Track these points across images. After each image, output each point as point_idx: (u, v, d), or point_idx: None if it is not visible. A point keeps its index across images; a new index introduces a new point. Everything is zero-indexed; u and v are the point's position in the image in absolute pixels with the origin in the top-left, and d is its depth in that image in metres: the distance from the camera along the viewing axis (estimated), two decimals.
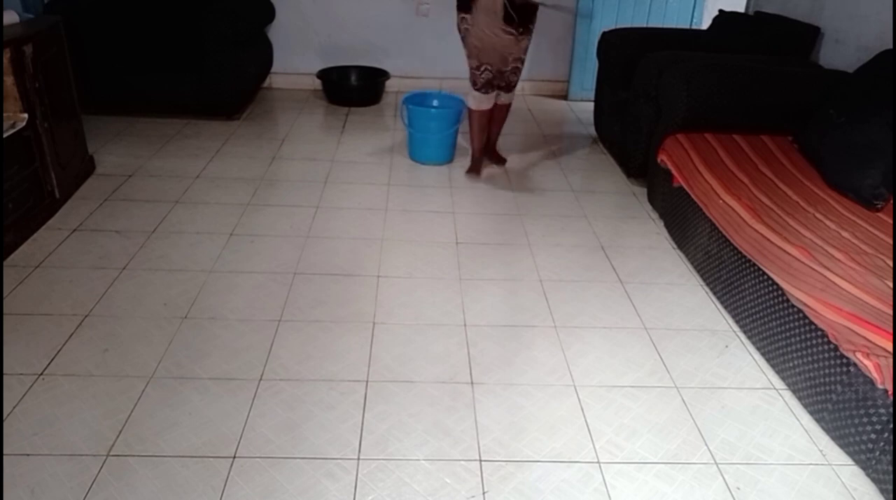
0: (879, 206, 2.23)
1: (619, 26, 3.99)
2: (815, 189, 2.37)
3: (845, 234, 2.05)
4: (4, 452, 1.60)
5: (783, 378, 1.99)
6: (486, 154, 3.50)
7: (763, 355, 2.09)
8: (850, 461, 1.72)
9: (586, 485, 1.63)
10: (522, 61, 3.21)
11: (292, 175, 3.34)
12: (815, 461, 1.73)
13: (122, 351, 1.98)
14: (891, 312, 1.66)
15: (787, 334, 1.94)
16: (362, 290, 2.37)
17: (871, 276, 1.81)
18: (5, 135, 2.43)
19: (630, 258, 2.68)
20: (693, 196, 2.53)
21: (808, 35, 3.27)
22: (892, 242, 2.00)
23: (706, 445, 1.76)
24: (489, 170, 3.52)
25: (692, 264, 2.61)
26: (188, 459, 1.63)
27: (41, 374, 1.87)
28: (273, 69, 4.66)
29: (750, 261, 2.13)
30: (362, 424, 1.78)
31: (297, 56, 4.65)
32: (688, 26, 4.62)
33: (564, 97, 4.88)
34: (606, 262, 2.65)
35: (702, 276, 2.52)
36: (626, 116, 3.43)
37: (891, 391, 1.55)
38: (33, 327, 2.06)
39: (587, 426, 1.81)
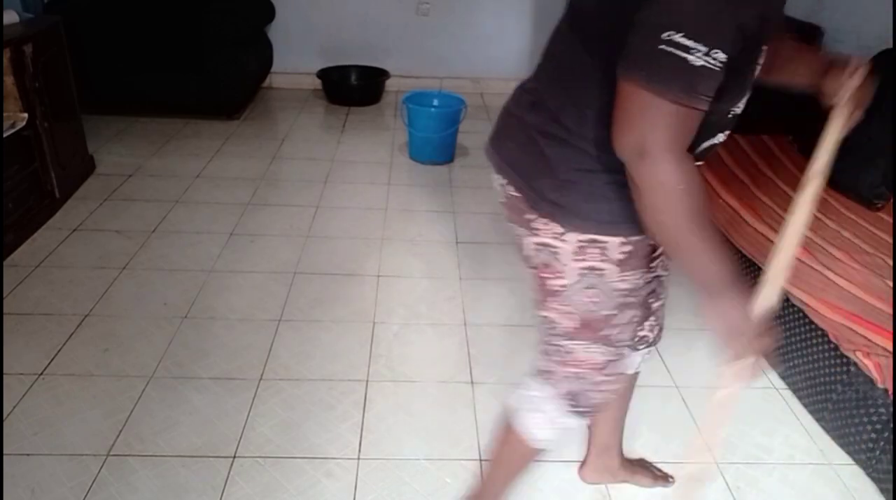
0: (880, 205, 2.23)
1: None
2: None
3: (846, 233, 2.05)
4: (4, 452, 1.60)
5: (783, 378, 1.98)
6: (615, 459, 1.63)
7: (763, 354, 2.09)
8: (850, 460, 1.72)
9: (586, 485, 1.63)
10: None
11: (292, 175, 3.34)
12: (815, 461, 1.73)
13: (122, 351, 1.98)
14: (891, 311, 1.66)
15: (788, 333, 1.94)
16: (362, 290, 2.37)
17: (871, 275, 1.81)
18: (5, 135, 2.43)
19: None
20: None
21: (809, 34, 3.26)
22: (892, 241, 2.00)
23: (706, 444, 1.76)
24: None
25: None
26: (188, 459, 1.63)
27: (41, 374, 1.87)
28: (273, 69, 4.65)
29: (750, 260, 2.12)
30: (362, 424, 1.77)
31: (297, 56, 4.65)
32: None
33: None
34: None
35: None
36: None
37: (891, 391, 1.55)
38: (33, 327, 2.06)
39: (587, 425, 1.81)
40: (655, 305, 1.32)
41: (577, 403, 1.20)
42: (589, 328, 1.12)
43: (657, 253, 1.20)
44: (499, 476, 1.39)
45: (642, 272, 1.11)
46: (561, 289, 1.10)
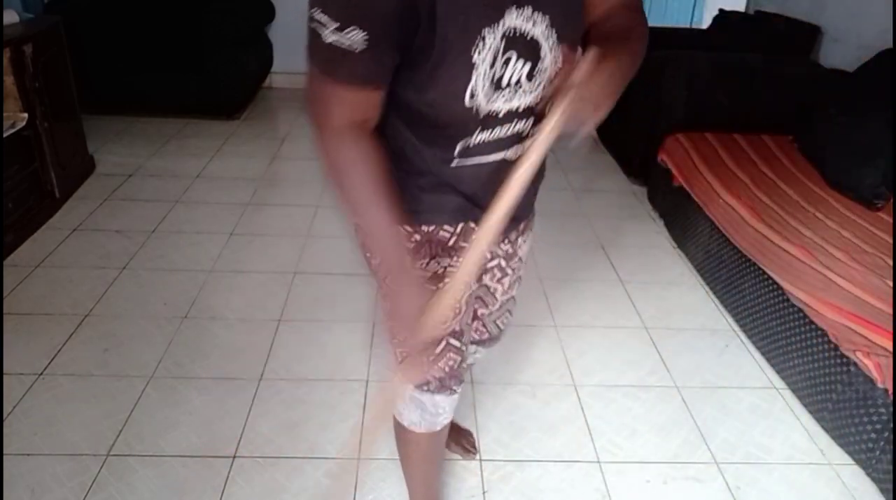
0: (880, 205, 2.23)
1: None
2: (815, 189, 2.36)
3: (846, 233, 2.05)
4: (4, 452, 1.60)
5: (783, 378, 1.99)
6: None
7: (763, 354, 2.09)
8: (850, 460, 1.72)
9: (586, 485, 1.63)
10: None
11: (292, 175, 3.34)
12: (816, 461, 1.73)
13: (122, 351, 1.98)
14: (891, 311, 1.66)
15: (788, 333, 1.94)
16: (362, 289, 2.37)
17: (871, 275, 1.81)
18: (5, 135, 2.43)
19: (630, 258, 2.68)
20: (693, 196, 2.53)
21: (809, 34, 3.26)
22: (892, 241, 2.00)
23: (706, 444, 1.76)
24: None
25: (692, 263, 2.61)
26: (188, 459, 1.63)
27: (41, 374, 1.87)
28: (273, 69, 4.65)
29: (750, 260, 2.12)
30: (362, 424, 1.77)
31: (297, 55, 4.62)
32: (688, 25, 4.62)
33: None
34: (606, 261, 2.65)
35: (702, 275, 2.51)
36: (626, 115, 3.42)
37: (891, 391, 1.55)
38: (33, 327, 2.06)
39: (587, 425, 1.81)
40: (481, 311, 1.31)
41: (418, 381, 1.20)
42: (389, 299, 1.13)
43: (489, 263, 1.22)
44: (411, 475, 1.40)
45: (432, 263, 1.09)
46: (376, 268, 1.10)
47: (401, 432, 1.28)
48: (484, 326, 1.34)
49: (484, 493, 1.59)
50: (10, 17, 2.61)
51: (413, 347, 0.99)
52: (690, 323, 2.27)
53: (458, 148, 0.98)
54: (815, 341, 1.82)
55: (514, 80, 0.91)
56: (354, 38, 0.79)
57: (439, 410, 1.22)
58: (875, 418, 1.62)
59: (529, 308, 2.31)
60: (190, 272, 2.41)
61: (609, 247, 2.75)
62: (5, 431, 1.67)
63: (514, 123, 0.97)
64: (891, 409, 1.57)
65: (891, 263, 1.88)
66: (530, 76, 0.92)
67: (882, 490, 1.62)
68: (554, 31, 0.89)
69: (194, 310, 2.19)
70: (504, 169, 0.93)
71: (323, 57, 0.82)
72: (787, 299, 1.92)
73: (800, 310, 1.86)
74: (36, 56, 2.59)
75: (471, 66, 0.86)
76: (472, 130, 0.95)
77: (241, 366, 1.95)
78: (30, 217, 2.60)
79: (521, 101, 0.94)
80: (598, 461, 1.70)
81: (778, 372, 2.01)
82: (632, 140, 3.35)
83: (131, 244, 2.57)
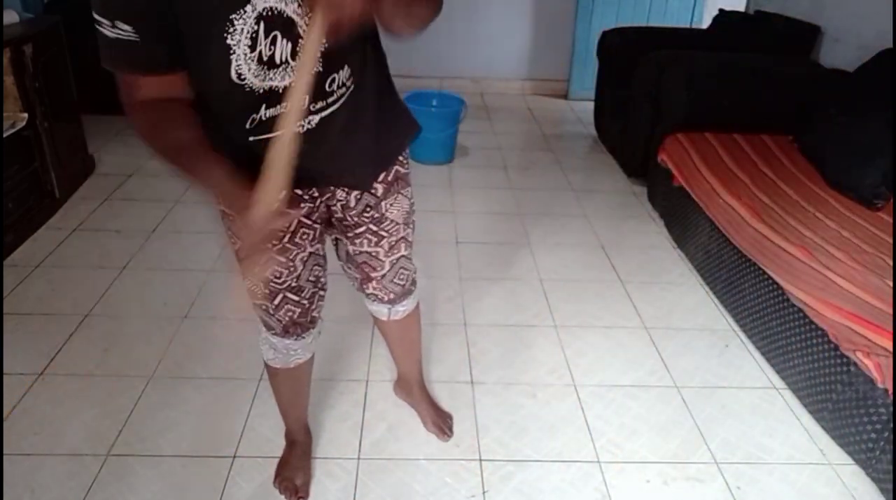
0: (880, 205, 2.23)
1: (619, 25, 3.99)
2: (815, 188, 2.36)
3: (846, 233, 2.05)
4: (4, 452, 1.60)
5: (783, 378, 1.99)
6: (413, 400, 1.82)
7: (763, 354, 2.09)
8: (850, 460, 1.72)
9: (586, 485, 1.63)
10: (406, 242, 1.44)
11: None
12: (816, 461, 1.73)
13: (122, 351, 1.98)
14: (891, 311, 1.66)
15: (788, 333, 1.94)
16: None
17: (871, 275, 1.81)
18: (5, 135, 2.43)
19: (630, 258, 2.68)
20: (693, 196, 2.53)
21: (809, 34, 3.26)
22: (892, 241, 2.00)
23: (706, 444, 1.76)
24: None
25: (692, 263, 2.61)
26: (188, 459, 1.63)
27: (41, 374, 1.87)
28: None
29: (750, 260, 2.12)
30: (362, 424, 1.77)
31: None
32: (688, 25, 4.62)
33: (564, 97, 4.88)
34: (606, 261, 2.65)
35: (702, 275, 2.51)
36: (626, 115, 3.43)
37: (891, 391, 1.55)
38: (33, 327, 2.06)
39: (587, 425, 1.81)
40: (373, 274, 1.44)
41: (266, 326, 1.40)
42: (241, 263, 1.24)
43: (357, 229, 1.34)
44: (277, 402, 1.59)
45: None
46: (224, 224, 1.27)
47: (266, 365, 1.50)
48: (383, 287, 1.47)
49: (484, 493, 1.59)
50: (10, 17, 2.61)
51: (250, 239, 1.00)
52: (690, 323, 2.27)
53: (248, 124, 1.05)
54: (815, 341, 1.82)
55: (284, 57, 0.98)
56: (124, 30, 0.90)
57: (290, 351, 1.42)
58: (875, 418, 1.62)
59: (529, 308, 2.31)
60: (190, 272, 2.41)
61: (609, 247, 2.76)
62: (5, 431, 1.67)
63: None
64: (891, 409, 1.57)
65: (891, 263, 1.88)
66: (295, 53, 0.98)
67: (882, 490, 1.62)
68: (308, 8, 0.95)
69: (194, 310, 2.19)
70: (300, 140, 1.02)
71: (107, 52, 0.93)
72: (787, 299, 1.92)
73: (800, 310, 1.86)
74: (36, 56, 2.59)
75: (226, 49, 0.95)
76: (258, 107, 1.03)
77: (241, 366, 1.95)
78: (30, 217, 2.60)
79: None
80: (598, 461, 1.70)
81: (778, 372, 2.01)
82: (632, 140, 3.35)
83: (131, 244, 2.57)
